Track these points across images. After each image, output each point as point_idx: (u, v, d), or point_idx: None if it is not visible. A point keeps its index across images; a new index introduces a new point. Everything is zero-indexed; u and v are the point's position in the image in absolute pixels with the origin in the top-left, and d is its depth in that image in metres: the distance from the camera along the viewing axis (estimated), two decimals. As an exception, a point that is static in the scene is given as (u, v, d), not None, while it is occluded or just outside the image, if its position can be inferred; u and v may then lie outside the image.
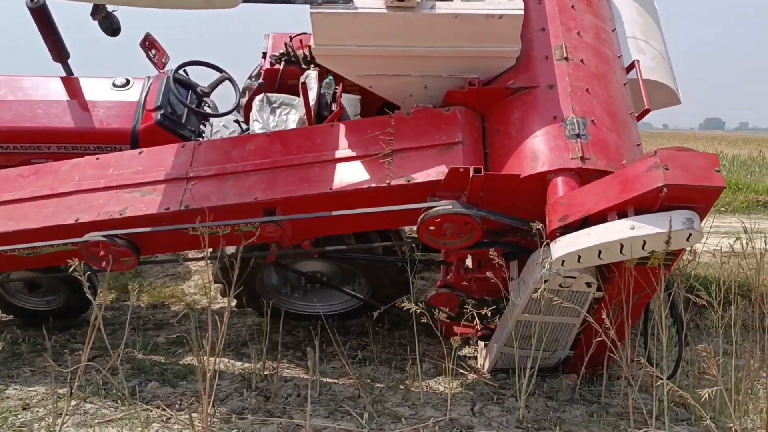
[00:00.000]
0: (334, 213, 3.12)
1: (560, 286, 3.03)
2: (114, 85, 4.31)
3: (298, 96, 4.42)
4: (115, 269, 3.42)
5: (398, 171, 3.13)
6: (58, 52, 4.21)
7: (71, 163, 3.69)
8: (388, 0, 3.05)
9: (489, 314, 3.31)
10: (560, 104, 3.12)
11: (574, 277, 2.99)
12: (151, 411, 3.23)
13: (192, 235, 3.35)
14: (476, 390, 3.58)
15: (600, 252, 2.66)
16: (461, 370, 3.74)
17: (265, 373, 3.67)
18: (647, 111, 3.52)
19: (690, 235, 2.52)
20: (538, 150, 3.04)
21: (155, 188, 3.40)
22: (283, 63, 4.45)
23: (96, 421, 3.16)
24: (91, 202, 3.44)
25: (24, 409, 3.28)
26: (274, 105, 4.34)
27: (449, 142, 3.16)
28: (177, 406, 3.32)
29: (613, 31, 3.65)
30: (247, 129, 4.58)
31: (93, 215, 3.37)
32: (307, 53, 4.52)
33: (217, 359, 2.94)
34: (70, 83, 4.32)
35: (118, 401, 3.32)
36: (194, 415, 3.21)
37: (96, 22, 3.31)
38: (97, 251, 3.34)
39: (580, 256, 2.70)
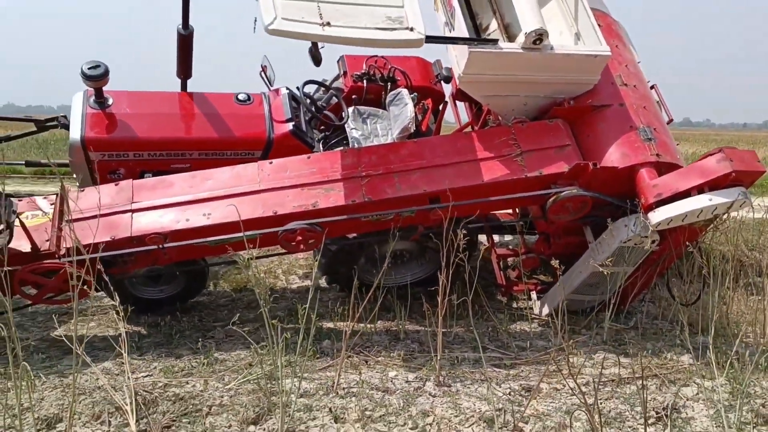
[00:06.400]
0: (493, 198, 4.24)
1: (635, 244, 4.37)
2: (237, 99, 4.99)
3: (380, 108, 5.43)
4: (305, 250, 4.25)
5: (530, 166, 4.30)
6: (185, 71, 4.80)
7: (248, 167, 4.39)
8: (525, 43, 4.18)
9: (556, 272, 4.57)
10: (631, 117, 4.46)
11: (647, 236, 4.34)
12: (352, 357, 4.12)
13: (365, 220, 4.28)
14: (549, 327, 4.82)
15: (686, 216, 4.01)
16: (533, 316, 5.03)
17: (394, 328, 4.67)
18: (671, 121, 5.00)
19: (744, 202, 3.97)
20: (624, 150, 4.33)
21: (335, 185, 4.26)
22: (365, 81, 5.39)
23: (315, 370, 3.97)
24: (282, 198, 4.21)
25: (250, 365, 3.98)
26: (364, 116, 5.31)
27: (562, 144, 4.38)
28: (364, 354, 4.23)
29: (639, 62, 5.08)
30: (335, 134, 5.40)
31: (289, 208, 4.16)
32: (384, 73, 5.49)
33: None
34: (199, 98, 4.92)
35: (318, 356, 4.15)
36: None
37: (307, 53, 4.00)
38: (293, 237, 4.14)
39: (671, 220, 4.03)
